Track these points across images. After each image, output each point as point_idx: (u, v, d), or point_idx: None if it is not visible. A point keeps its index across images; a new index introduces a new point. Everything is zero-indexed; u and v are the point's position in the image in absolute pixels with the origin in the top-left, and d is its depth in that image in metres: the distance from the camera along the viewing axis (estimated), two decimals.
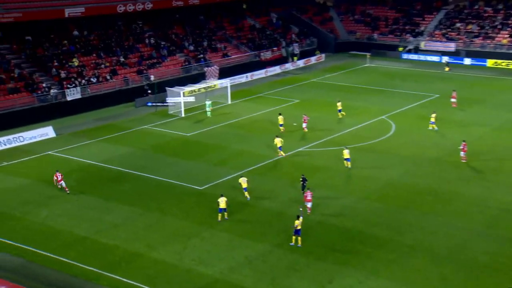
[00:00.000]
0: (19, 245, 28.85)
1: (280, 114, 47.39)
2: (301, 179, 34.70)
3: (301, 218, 29.09)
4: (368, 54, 76.77)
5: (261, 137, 45.67)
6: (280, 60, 73.06)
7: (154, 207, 33.32)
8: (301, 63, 74.72)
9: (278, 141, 40.95)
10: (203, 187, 36.05)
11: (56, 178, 35.73)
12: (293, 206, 32.95)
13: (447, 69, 69.98)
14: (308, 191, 32.53)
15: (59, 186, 35.66)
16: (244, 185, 34.13)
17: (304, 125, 46.83)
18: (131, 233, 30.14)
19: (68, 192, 35.33)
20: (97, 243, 29.16)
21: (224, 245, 28.96)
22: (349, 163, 38.61)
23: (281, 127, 46.27)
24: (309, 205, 32.19)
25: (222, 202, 31.35)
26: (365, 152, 42.13)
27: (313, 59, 76.91)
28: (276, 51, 73.73)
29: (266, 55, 72.19)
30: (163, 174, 38.14)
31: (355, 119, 50.39)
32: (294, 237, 28.94)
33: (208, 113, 51.52)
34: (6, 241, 29.29)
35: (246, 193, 34.17)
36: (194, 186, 36.18)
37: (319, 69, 72.91)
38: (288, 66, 72.82)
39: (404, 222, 31.28)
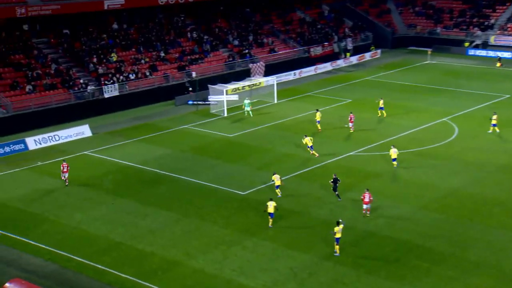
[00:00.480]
0: (52, 249, 29.66)
1: (317, 110, 48.02)
2: (332, 179, 34.82)
3: (341, 225, 28.92)
4: (429, 50, 75.41)
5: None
6: (331, 56, 72.68)
7: (193, 212, 33.68)
8: (354, 59, 74.09)
9: (308, 140, 41.51)
10: (246, 192, 36.21)
11: (62, 168, 37.51)
12: (343, 215, 32.63)
13: (498, 64, 68.29)
14: (366, 191, 32.73)
15: (62, 178, 37.55)
16: (277, 182, 34.97)
17: (350, 124, 46.99)
18: (168, 240, 30.54)
19: (66, 184, 37.41)
20: (132, 250, 29.69)
21: (268, 255, 28.97)
22: (395, 163, 38.92)
23: (318, 124, 47.14)
24: (365, 206, 32.63)
25: (271, 206, 31.56)
26: (424, 157, 41.44)
27: (367, 55, 76.16)
28: (327, 47, 73.36)
29: (316, 50, 71.90)
30: (203, 177, 38.52)
31: (413, 121, 49.61)
32: (337, 246, 28.96)
33: (249, 113, 51.61)
34: (40, 245, 30.17)
35: (277, 191, 35.10)
36: (236, 191, 36.37)
37: (374, 66, 72.05)
38: (340, 63, 72.36)
39: (467, 236, 30.51)
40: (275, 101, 56.59)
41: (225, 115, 52.49)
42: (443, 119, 49.93)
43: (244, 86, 55.81)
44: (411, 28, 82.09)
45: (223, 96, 53.03)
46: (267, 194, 35.41)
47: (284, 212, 33.23)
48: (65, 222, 32.72)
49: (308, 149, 41.59)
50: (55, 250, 29.56)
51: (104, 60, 57.31)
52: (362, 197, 32.85)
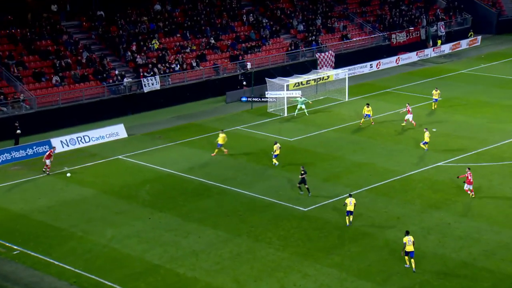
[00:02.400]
0: (79, 272, 30.36)
1: (368, 105, 48.97)
2: (301, 171, 37.19)
3: (411, 237, 29.70)
4: None
5: (387, 146, 45.14)
6: (417, 45, 71.90)
7: (244, 231, 33.92)
8: (446, 48, 73.00)
9: (221, 138, 43.61)
10: (308, 209, 36.24)
11: (49, 153, 41.79)
12: (427, 239, 32.31)
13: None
14: (468, 171, 36.45)
15: (46, 167, 41.42)
16: (277, 152, 41.41)
17: (409, 116, 48.28)
18: (215, 264, 30.86)
19: (48, 173, 41.40)
20: (172, 274, 30.09)
21: (334, 286, 28.86)
22: (424, 146, 43.22)
23: (367, 119, 48.96)
24: (471, 187, 36.40)
25: (351, 204, 33.47)
26: None
27: (464, 43, 74.88)
28: (413, 33, 72.47)
29: (399, 37, 71.20)
30: (258, 189, 38.78)
31: None
32: (406, 258, 29.81)
33: (305, 112, 51.85)
34: (65, 266, 30.90)
35: (274, 160, 41.49)
36: (296, 207, 36.46)
37: (472, 57, 70.84)
38: (429, 52, 71.43)
39: None
40: (346, 99, 56.34)
41: (285, 114, 52.65)
42: None
43: (309, 81, 55.79)
44: None
45: (283, 92, 53.19)
46: (334, 211, 35.37)
47: (355, 234, 33.10)
48: (94, 239, 33.51)
49: (218, 148, 43.73)
50: (82, 273, 30.24)
51: (144, 48, 58.53)
52: (468, 179, 36.26)
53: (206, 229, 34.20)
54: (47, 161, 41.53)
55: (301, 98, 52.37)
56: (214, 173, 41.44)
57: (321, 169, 41.76)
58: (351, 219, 33.83)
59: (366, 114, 49.02)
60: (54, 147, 43.43)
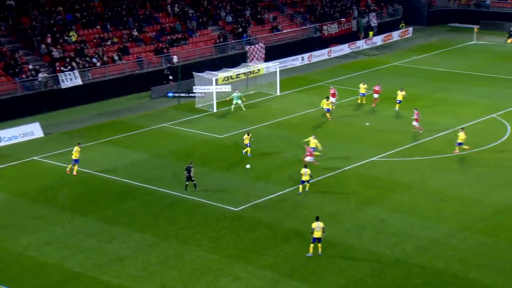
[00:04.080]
0: None
1: (327, 98, 50.04)
2: (186, 166, 38.11)
3: (321, 223, 31.02)
4: (475, 27, 75.63)
5: (320, 142, 45.56)
6: (349, 36, 72.90)
7: (173, 234, 33.76)
8: (378, 40, 74.35)
9: (75, 151, 40.51)
10: (239, 208, 36.33)
11: None
12: (363, 237, 32.82)
13: (509, 41, 71.76)
14: (307, 146, 40.49)
15: None
16: (246, 141, 42.73)
17: (333, 99, 50.43)
18: (141, 269, 30.61)
19: None
20: (95, 282, 29.68)
21: None
22: (314, 153, 41.94)
23: (327, 113, 50.18)
24: (308, 158, 39.86)
25: (306, 175, 37.18)
26: (467, 164, 41.67)
27: (395, 35, 76.39)
28: (345, 24, 73.50)
29: (331, 29, 72.13)
30: (186, 189, 38.65)
31: (453, 118, 49.85)
32: (312, 245, 30.95)
33: (241, 107, 51.97)
34: None
35: (246, 149, 42.66)
36: (227, 207, 36.51)
37: (404, 48, 72.34)
38: (361, 44, 72.55)
39: None
40: (278, 93, 56.73)
41: (215, 110, 52.65)
42: (492, 115, 50.23)
43: (238, 74, 55.91)
44: None
45: (212, 86, 53.14)
46: (266, 211, 35.57)
47: (288, 233, 33.37)
48: (7, 247, 32.73)
49: (73, 164, 40.68)
50: None
51: (61, 41, 57.53)
52: (308, 154, 39.80)
53: (132, 233, 33.88)
54: None
55: (237, 93, 52.41)
56: (139, 173, 41.08)
57: (252, 167, 41.88)
58: (300, 189, 37.43)
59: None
60: None
